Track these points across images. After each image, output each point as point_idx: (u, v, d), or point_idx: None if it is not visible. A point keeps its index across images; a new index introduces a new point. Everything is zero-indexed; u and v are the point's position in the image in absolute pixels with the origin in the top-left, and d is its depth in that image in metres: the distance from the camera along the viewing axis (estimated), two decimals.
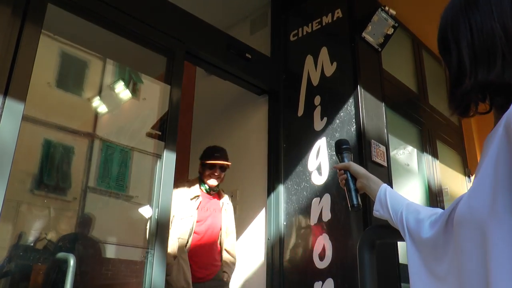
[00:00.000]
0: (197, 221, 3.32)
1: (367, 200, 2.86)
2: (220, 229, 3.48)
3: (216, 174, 3.41)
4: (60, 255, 2.74)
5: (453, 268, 1.02)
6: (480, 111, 0.95)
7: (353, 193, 1.47)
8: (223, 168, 3.45)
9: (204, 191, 3.47)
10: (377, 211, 1.34)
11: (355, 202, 1.46)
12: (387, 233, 1.58)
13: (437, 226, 1.10)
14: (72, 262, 2.52)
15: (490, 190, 0.79)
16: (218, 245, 3.45)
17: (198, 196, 3.40)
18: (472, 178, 5.16)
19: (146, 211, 3.39)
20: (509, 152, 0.75)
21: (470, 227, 0.83)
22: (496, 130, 0.82)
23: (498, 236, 0.76)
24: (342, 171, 1.52)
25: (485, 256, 0.79)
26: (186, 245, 3.23)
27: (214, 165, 3.42)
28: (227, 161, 3.46)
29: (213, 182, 3.41)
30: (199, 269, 3.26)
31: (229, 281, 3.46)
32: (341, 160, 1.60)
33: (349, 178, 1.49)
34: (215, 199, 3.52)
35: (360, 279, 1.49)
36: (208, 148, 3.53)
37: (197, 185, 3.46)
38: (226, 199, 3.59)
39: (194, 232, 3.29)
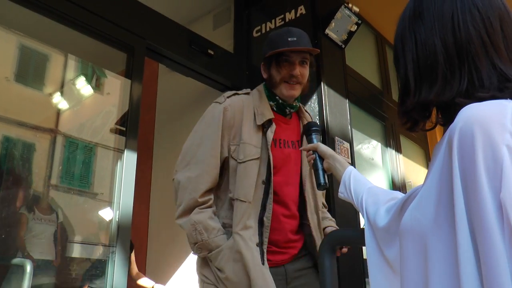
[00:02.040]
0: (274, 167, 1.84)
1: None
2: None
3: (295, 73, 1.86)
4: (17, 260, 2.62)
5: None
6: (426, 127, 0.96)
7: (320, 173, 1.53)
8: (304, 61, 1.89)
9: (276, 110, 1.94)
10: (342, 193, 1.38)
11: (321, 181, 1.53)
12: (348, 238, 1.62)
13: (392, 212, 1.13)
14: (29, 268, 2.43)
15: (433, 203, 0.80)
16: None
17: (270, 121, 1.89)
18: None
19: (107, 209, 3.33)
20: (450, 168, 0.76)
21: (413, 237, 0.84)
22: (441, 143, 0.83)
23: (437, 248, 0.78)
24: (311, 152, 1.58)
25: (425, 266, 0.80)
26: (254, 212, 1.80)
27: (290, 58, 1.86)
28: (312, 47, 1.92)
29: (291, 91, 1.88)
30: (279, 250, 1.85)
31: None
32: (310, 141, 1.66)
33: (317, 158, 1.55)
34: (294, 122, 2.02)
35: (321, 283, 1.50)
36: (274, 34, 1.97)
37: (265, 101, 1.93)
38: (309, 119, 2.06)
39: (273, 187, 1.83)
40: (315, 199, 1.95)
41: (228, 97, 1.95)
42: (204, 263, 1.82)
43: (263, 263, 1.72)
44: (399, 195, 1.23)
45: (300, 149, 1.94)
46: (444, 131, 0.88)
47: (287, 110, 1.95)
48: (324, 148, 1.54)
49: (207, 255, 1.77)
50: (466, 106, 0.77)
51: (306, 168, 1.93)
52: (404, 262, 0.86)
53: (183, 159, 1.91)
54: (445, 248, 0.76)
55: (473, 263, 0.70)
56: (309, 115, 2.12)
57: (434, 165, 0.83)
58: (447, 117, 0.88)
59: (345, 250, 1.84)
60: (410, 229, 0.85)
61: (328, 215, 2.08)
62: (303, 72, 1.89)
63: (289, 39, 1.85)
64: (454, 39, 0.85)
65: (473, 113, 0.74)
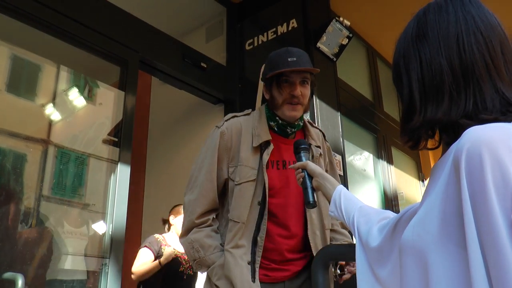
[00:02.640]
0: (269, 190, 1.84)
1: None
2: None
3: (296, 94, 1.84)
4: (7, 275, 2.57)
5: (393, 274, 1.07)
6: (429, 146, 0.96)
7: (309, 191, 1.52)
8: (305, 80, 1.87)
9: (276, 130, 1.93)
10: (332, 212, 1.38)
11: (311, 199, 1.51)
12: (340, 253, 1.63)
13: (384, 232, 1.13)
14: (20, 282, 2.40)
15: (437, 222, 0.81)
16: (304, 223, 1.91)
17: (268, 142, 1.88)
18: (424, 187, 5.27)
19: (100, 221, 3.33)
20: (457, 190, 0.77)
21: (414, 254, 0.84)
22: (444, 162, 0.83)
23: (441, 265, 0.78)
24: (300, 170, 1.57)
25: (426, 282, 0.80)
26: (248, 232, 1.82)
27: (290, 78, 1.85)
28: (312, 67, 1.89)
29: (293, 112, 1.87)
30: (278, 267, 1.84)
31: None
32: (299, 159, 1.64)
33: (306, 176, 1.54)
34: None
35: None
36: (273, 54, 1.95)
37: (264, 122, 1.93)
38: (315, 136, 2.03)
39: (267, 210, 1.83)
40: (320, 218, 1.93)
41: (226, 120, 1.96)
42: (207, 280, 1.87)
43: (253, 281, 1.74)
44: (390, 214, 1.23)
45: (289, 167, 1.87)
46: (444, 151, 0.90)
47: (288, 130, 1.93)
48: (313, 166, 1.54)
49: (207, 271, 1.82)
50: (471, 128, 0.77)
51: None
52: (404, 278, 0.87)
53: (189, 182, 1.95)
54: (449, 266, 0.77)
55: (485, 283, 0.70)
56: (319, 130, 2.10)
57: (436, 184, 0.84)
58: (449, 137, 0.89)
59: (347, 276, 1.84)
60: (411, 245, 0.85)
61: (341, 235, 2.06)
62: (304, 92, 1.86)
63: (289, 59, 1.83)
64: (459, 61, 0.86)
65: (480, 134, 0.75)
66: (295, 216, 1.88)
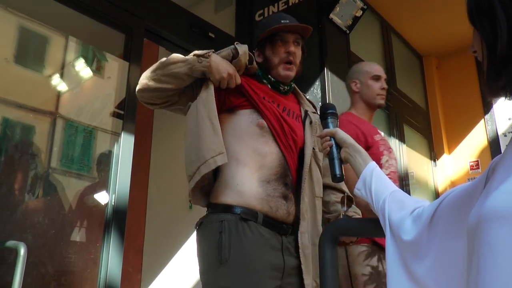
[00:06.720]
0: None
1: None
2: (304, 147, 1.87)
3: (291, 50, 1.87)
4: (10, 243, 2.52)
5: (434, 268, 0.95)
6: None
7: (336, 162, 1.38)
8: (298, 41, 1.92)
9: (269, 86, 1.92)
10: (359, 190, 1.25)
11: (337, 172, 1.37)
12: (352, 228, 1.52)
13: (421, 223, 1.01)
14: (22, 251, 2.34)
15: None
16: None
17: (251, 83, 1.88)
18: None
19: (103, 193, 3.29)
20: None
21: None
22: None
23: None
24: (328, 137, 1.42)
25: None
26: None
27: (284, 37, 1.89)
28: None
29: (287, 72, 1.89)
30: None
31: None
32: (326, 125, 1.49)
33: (334, 145, 1.39)
34: (291, 102, 1.98)
35: (321, 277, 1.40)
36: (264, 19, 2.07)
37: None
38: (309, 105, 2.04)
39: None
40: (311, 185, 1.94)
41: None
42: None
43: None
44: (426, 203, 1.09)
45: (316, 135, 1.84)
46: None
47: (281, 88, 1.94)
48: (343, 135, 1.38)
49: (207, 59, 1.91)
50: None
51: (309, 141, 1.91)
52: (491, 254, 0.72)
53: None
54: None
55: None
56: (310, 102, 2.08)
57: None
58: None
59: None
60: (506, 212, 0.71)
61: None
62: (297, 51, 1.92)
63: (282, 21, 1.90)
64: None
65: None
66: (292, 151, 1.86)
